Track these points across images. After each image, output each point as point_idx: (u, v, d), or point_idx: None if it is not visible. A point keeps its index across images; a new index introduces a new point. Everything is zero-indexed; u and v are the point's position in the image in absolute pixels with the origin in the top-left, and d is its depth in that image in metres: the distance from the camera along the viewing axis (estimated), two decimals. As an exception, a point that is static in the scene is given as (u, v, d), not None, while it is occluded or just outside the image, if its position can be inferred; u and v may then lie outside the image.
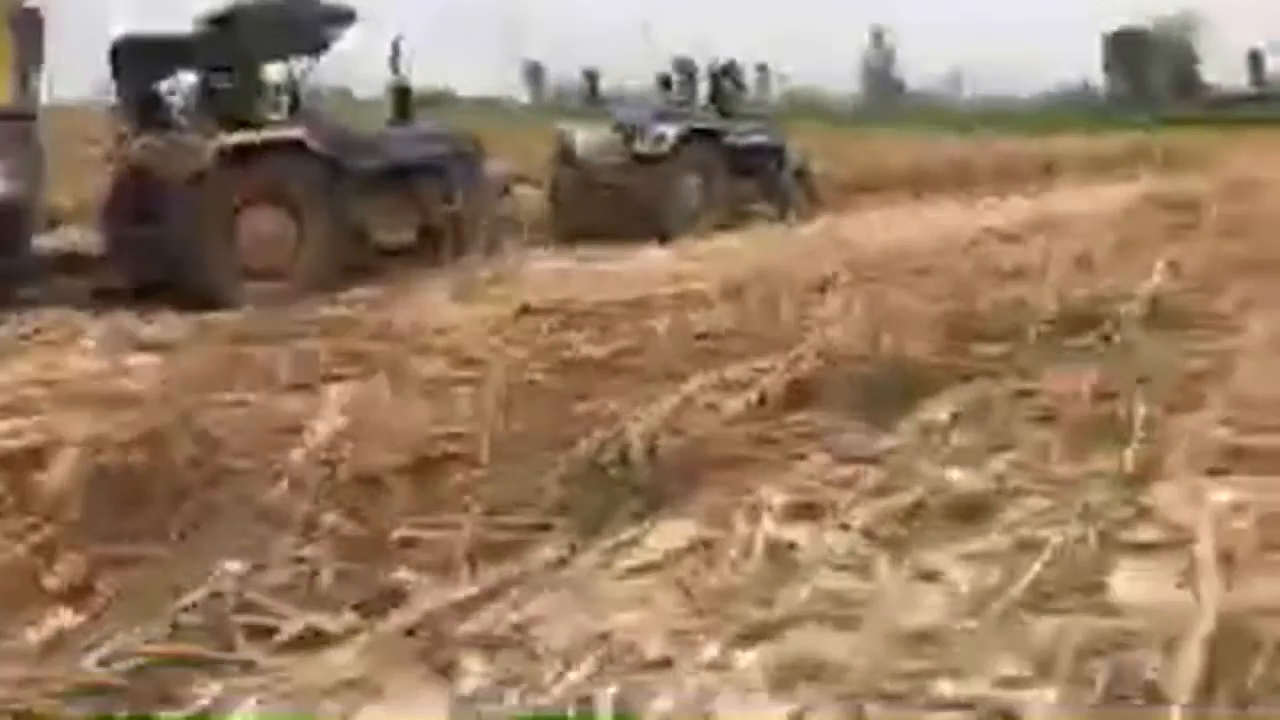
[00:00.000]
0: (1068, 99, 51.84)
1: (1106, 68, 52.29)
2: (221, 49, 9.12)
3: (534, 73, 60.39)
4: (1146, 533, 3.38)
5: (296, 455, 3.74)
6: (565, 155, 13.34)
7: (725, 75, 14.64)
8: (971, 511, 3.67)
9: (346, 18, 9.68)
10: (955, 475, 3.95)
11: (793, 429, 4.60)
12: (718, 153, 13.43)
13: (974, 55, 61.50)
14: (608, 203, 12.64)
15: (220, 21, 9.16)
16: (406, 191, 9.79)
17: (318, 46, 9.72)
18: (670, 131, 12.97)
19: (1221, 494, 3.55)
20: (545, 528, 3.59)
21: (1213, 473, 3.89)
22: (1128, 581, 3.09)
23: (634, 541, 3.43)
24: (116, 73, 9.29)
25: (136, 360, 5.69)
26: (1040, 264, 8.29)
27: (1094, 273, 7.72)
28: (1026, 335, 6.07)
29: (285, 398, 4.70)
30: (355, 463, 3.78)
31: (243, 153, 8.55)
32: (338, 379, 5.37)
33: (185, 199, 8.35)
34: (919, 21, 65.09)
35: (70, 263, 8.61)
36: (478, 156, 10.70)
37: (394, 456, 3.96)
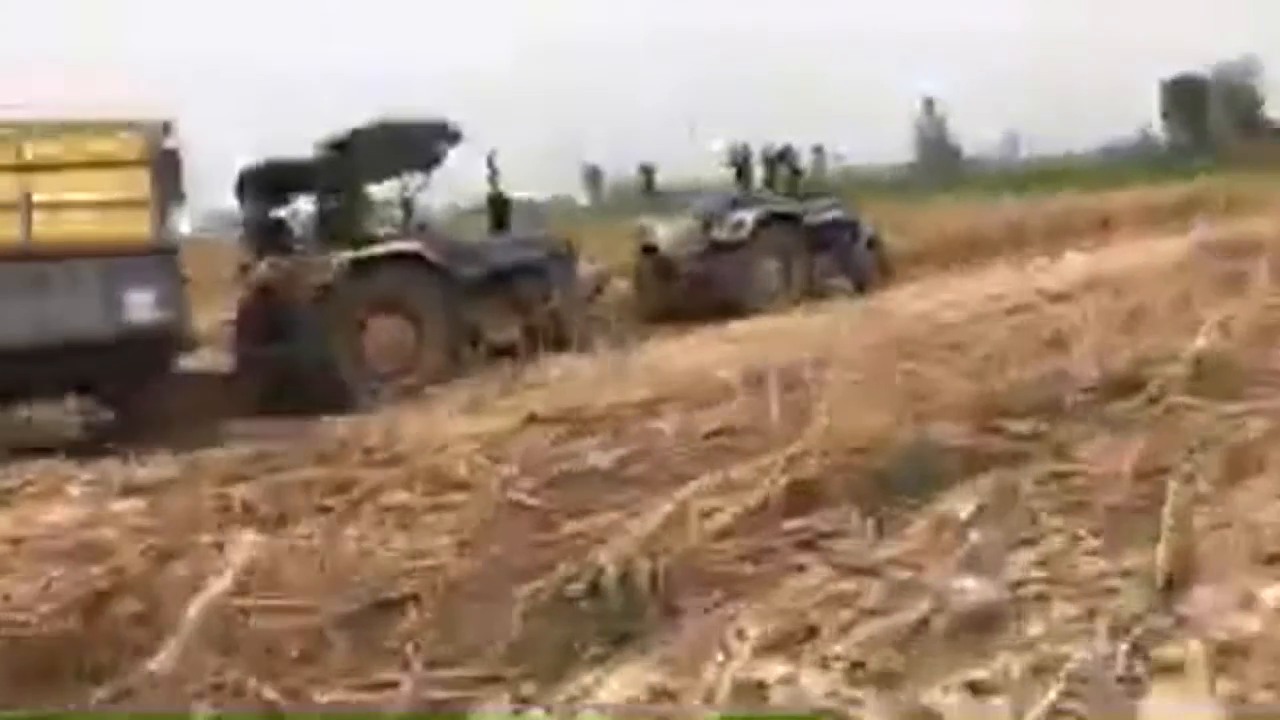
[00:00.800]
0: (1126, 152, 50.91)
1: (1165, 116, 51.33)
2: (339, 172, 9.72)
3: (592, 174, 61.25)
4: (1186, 648, 2.85)
5: (194, 611, 3.39)
6: (647, 247, 13.97)
7: (780, 159, 14.90)
8: (983, 627, 3.17)
9: (455, 136, 10.28)
10: (967, 584, 3.45)
11: (791, 537, 4.14)
12: (795, 233, 13.90)
13: (1028, 115, 60.87)
14: (689, 290, 13.23)
15: (338, 146, 9.73)
16: (509, 293, 10.44)
17: (429, 163, 10.32)
18: (748, 217, 13.46)
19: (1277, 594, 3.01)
20: (495, 680, 3.18)
21: (1272, 561, 3.35)
22: (1162, 713, 2.57)
23: (587, 693, 3.00)
24: (241, 200, 9.98)
25: (120, 506, 5.46)
26: (1083, 327, 7.78)
27: (1140, 332, 7.15)
28: (1063, 406, 5.56)
29: (243, 540, 4.38)
30: (284, 616, 3.42)
31: (364, 266, 9.16)
32: (322, 510, 5.07)
33: (313, 314, 8.97)
34: (971, 87, 64.84)
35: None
36: (572, 257, 11.34)
37: (341, 605, 3.60)
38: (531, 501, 4.85)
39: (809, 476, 4.72)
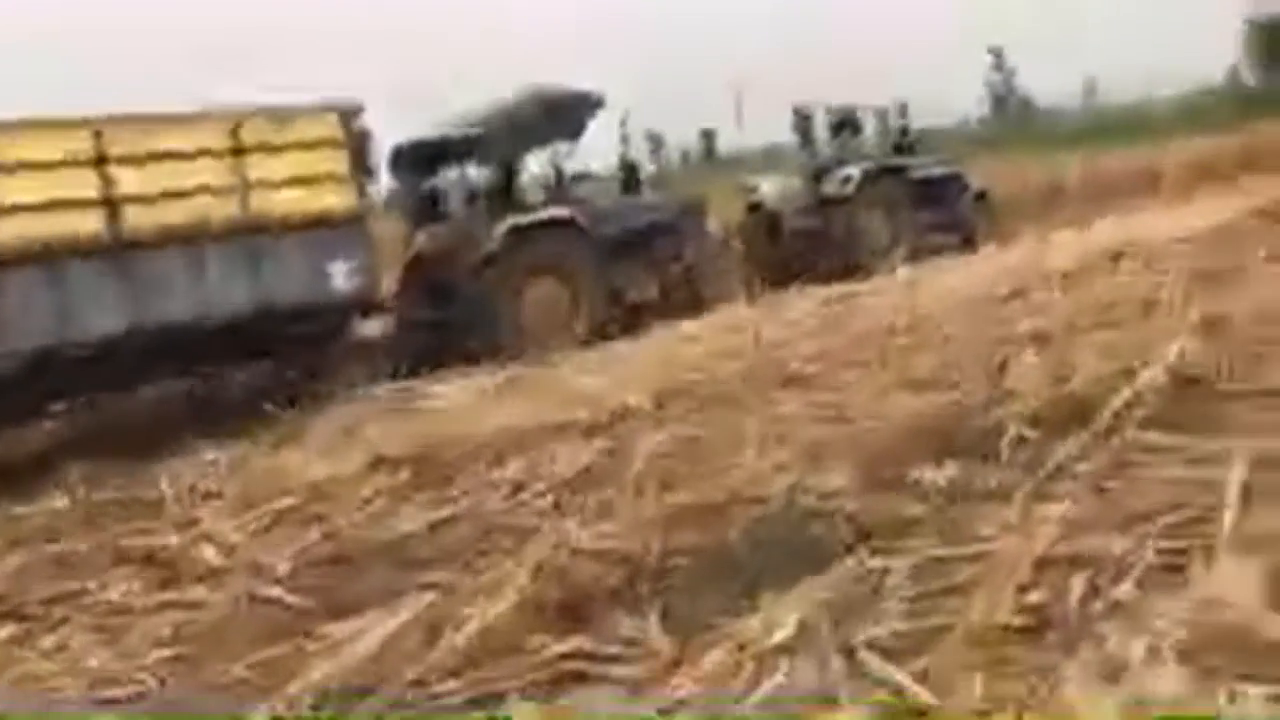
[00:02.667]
0: (1214, 96, 47.50)
1: (1247, 57, 47.89)
2: (492, 143, 9.97)
3: (654, 140, 60.51)
4: None
5: None
6: (753, 205, 13.75)
7: (845, 124, 14.57)
8: None
9: (598, 104, 10.54)
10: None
11: (552, 662, 3.08)
12: (901, 188, 13.63)
13: (1106, 61, 57.54)
14: (797, 246, 13.06)
15: (489, 119, 9.95)
16: (646, 254, 10.75)
17: (576, 132, 10.57)
18: (855, 171, 13.23)
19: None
20: None
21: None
22: None
23: None
24: (396, 174, 10.28)
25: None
26: (1058, 324, 6.47)
27: (1131, 328, 5.85)
28: (994, 443, 4.36)
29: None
30: None
31: (522, 234, 9.50)
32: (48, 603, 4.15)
33: (474, 280, 9.32)
34: (1045, 34, 61.59)
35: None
36: (702, 216, 11.63)
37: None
38: (289, 598, 3.88)
39: (624, 556, 3.67)
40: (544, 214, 9.89)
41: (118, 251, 7.15)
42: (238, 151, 7.71)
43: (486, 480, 4.91)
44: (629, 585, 3.53)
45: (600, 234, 10.15)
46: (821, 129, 14.91)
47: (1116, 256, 9.51)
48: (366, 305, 8.58)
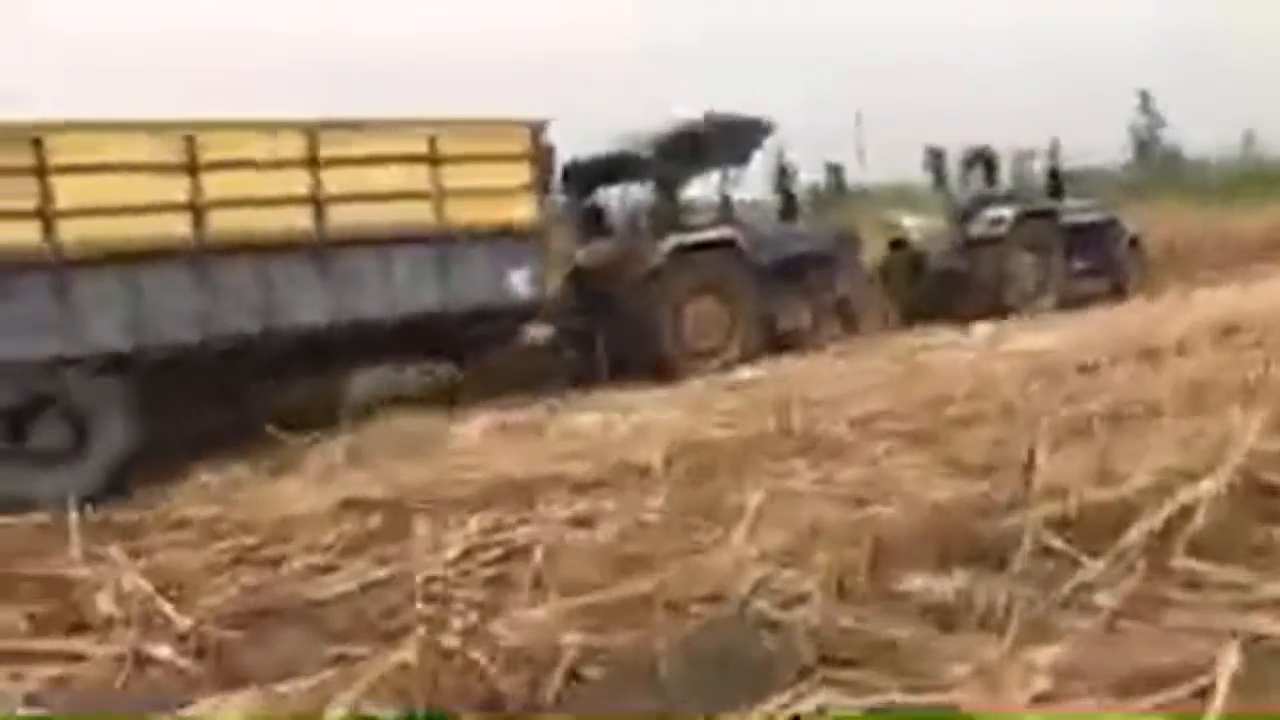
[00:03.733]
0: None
1: None
2: (663, 164, 10.20)
3: (788, 171, 60.32)
4: None
5: None
6: (896, 242, 13.61)
7: (977, 161, 14.16)
8: None
9: (767, 130, 10.73)
10: None
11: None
12: (1052, 231, 13.36)
13: (1264, 115, 54.15)
14: (941, 286, 12.92)
15: (673, 140, 10.15)
16: (800, 281, 10.93)
17: (745, 158, 10.87)
18: (1006, 213, 13.00)
19: None
20: None
21: None
22: None
23: None
24: (566, 188, 10.53)
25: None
26: (1148, 404, 5.75)
27: (1220, 419, 5.08)
28: (1006, 556, 3.74)
29: None
30: None
31: (687, 252, 9.81)
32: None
33: (638, 295, 9.60)
34: (1196, 83, 58.25)
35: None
36: (857, 248, 11.80)
37: None
38: (180, 661, 3.52)
39: (529, 657, 3.21)
40: (710, 234, 10.14)
41: (321, 249, 7.56)
42: (435, 161, 8.08)
43: (443, 539, 4.49)
44: (530, 690, 3.07)
45: (759, 258, 10.37)
46: (955, 167, 14.48)
47: (1230, 329, 8.63)
48: (536, 313, 8.98)
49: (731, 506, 4.76)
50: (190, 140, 7.04)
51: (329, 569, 4.38)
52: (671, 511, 4.80)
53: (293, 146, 7.50)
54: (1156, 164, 45.93)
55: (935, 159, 15.25)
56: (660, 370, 9.17)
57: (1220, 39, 56.96)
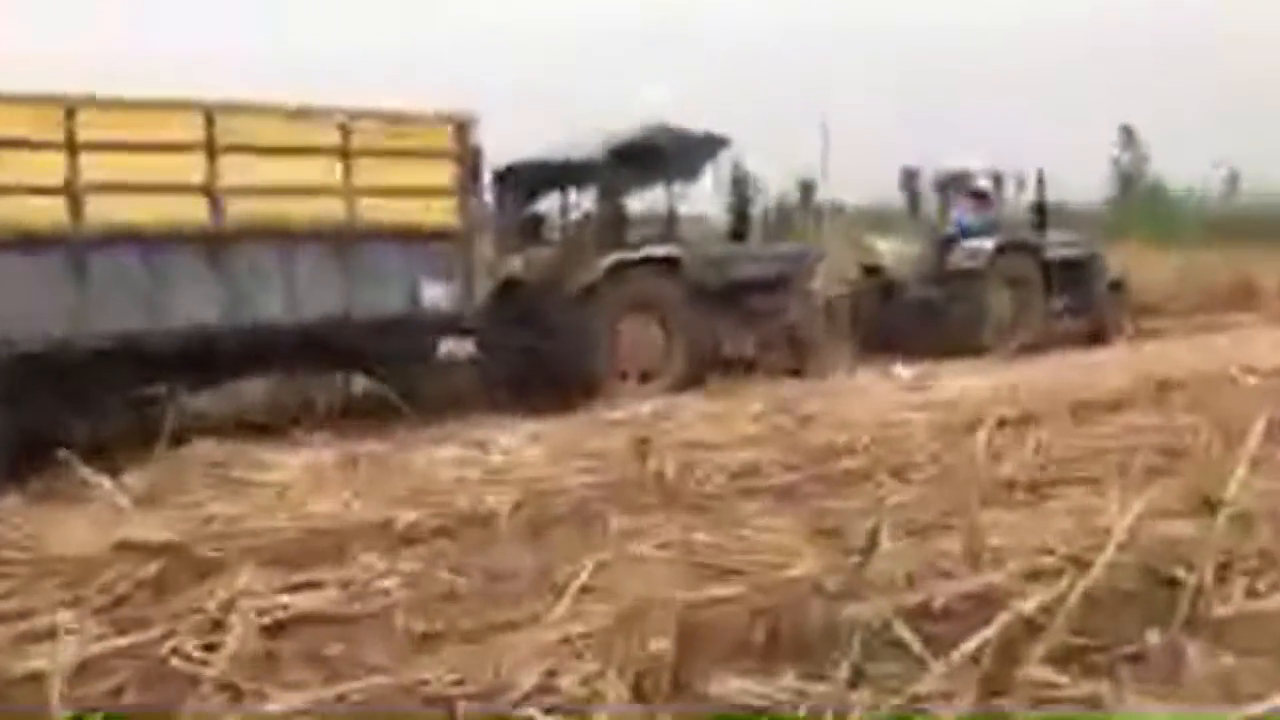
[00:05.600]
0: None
1: None
2: (606, 173, 10.01)
3: (755, 186, 60.22)
4: None
5: None
6: (870, 267, 13.45)
7: (951, 185, 13.98)
8: None
9: (720, 144, 10.54)
10: None
11: None
12: (1034, 266, 13.21)
13: (1250, 152, 55.03)
14: (915, 316, 12.76)
15: (619, 149, 9.83)
16: (746, 306, 10.73)
17: (694, 173, 10.71)
18: (986, 244, 12.84)
19: None
20: None
21: None
22: None
23: None
24: (499, 194, 10.25)
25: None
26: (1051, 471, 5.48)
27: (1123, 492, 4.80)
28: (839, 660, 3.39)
29: None
30: None
31: (626, 268, 9.58)
32: None
33: (575, 309, 9.34)
34: (1179, 116, 59.18)
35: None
36: (811, 273, 11.49)
37: None
38: None
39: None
40: (650, 251, 9.92)
41: (215, 243, 7.22)
42: (346, 154, 7.74)
43: (203, 603, 4.07)
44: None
45: (702, 279, 10.21)
46: (929, 190, 14.39)
47: (1169, 384, 8.44)
48: (455, 326, 8.70)
49: (565, 572, 4.43)
50: (70, 115, 6.67)
51: (46, 635, 3.90)
52: (489, 578, 4.43)
53: (187, 129, 7.14)
54: (1139, 201, 46.50)
55: (909, 179, 15.07)
56: (590, 392, 8.91)
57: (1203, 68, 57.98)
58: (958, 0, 68.85)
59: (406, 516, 5.24)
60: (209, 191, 7.15)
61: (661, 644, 3.42)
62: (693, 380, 9.65)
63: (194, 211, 7.13)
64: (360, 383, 8.33)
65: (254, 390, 8.30)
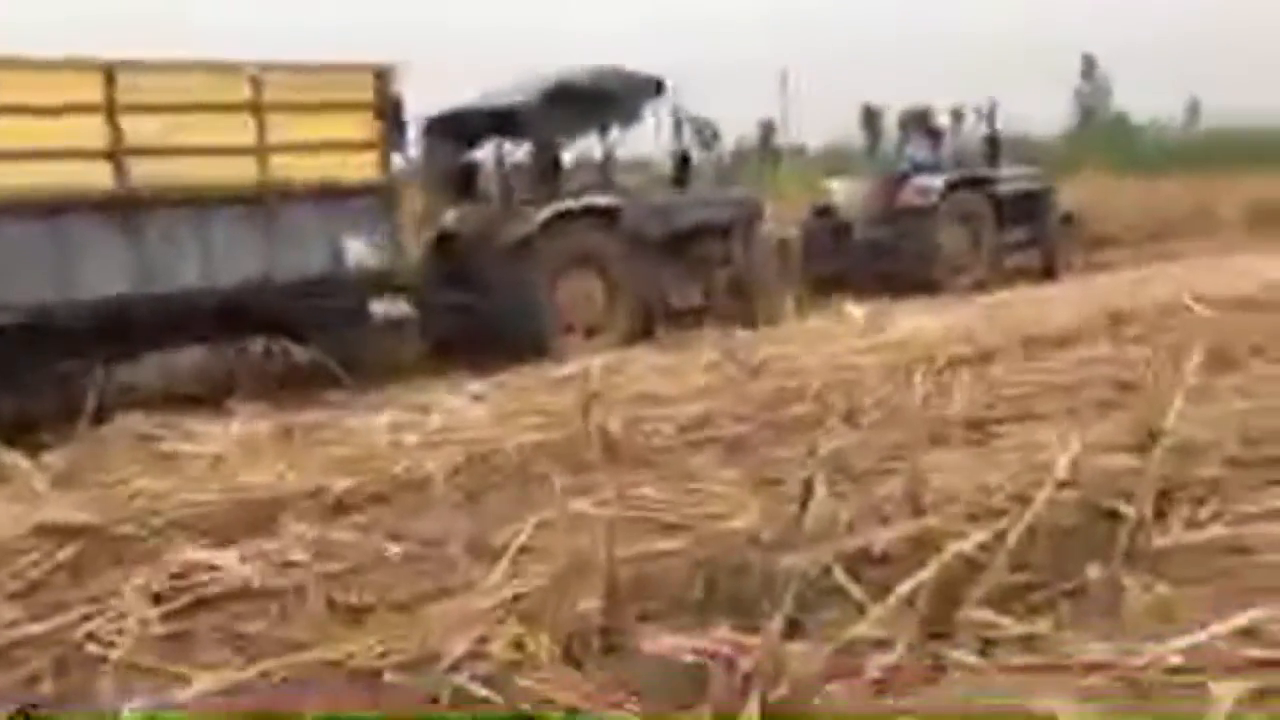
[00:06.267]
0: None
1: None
2: (543, 121, 9.61)
3: (709, 128, 59.95)
4: None
5: None
6: (821, 209, 13.41)
7: (914, 123, 13.89)
8: None
9: (658, 88, 10.22)
10: None
11: None
12: (986, 202, 13.14)
13: (1211, 80, 55.38)
14: (866, 257, 12.75)
15: (546, 94, 9.55)
16: (691, 255, 10.54)
17: (630, 117, 10.35)
18: (936, 181, 12.76)
19: None
20: None
21: None
22: None
23: None
24: (430, 145, 9.96)
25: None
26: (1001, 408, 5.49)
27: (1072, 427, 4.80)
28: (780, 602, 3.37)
29: None
30: None
31: (562, 220, 9.28)
32: None
33: (511, 264, 9.10)
34: (1142, 46, 59.27)
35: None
36: (756, 218, 11.18)
37: None
38: None
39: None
40: (586, 201, 9.63)
41: (121, 208, 7.01)
42: (257, 109, 7.50)
43: (121, 584, 3.99)
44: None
45: (645, 229, 9.98)
46: (891, 129, 14.57)
47: (1122, 316, 8.48)
48: (387, 284, 8.51)
49: (503, 534, 4.38)
50: None
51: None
52: (424, 543, 4.37)
53: (86, 88, 6.90)
54: (1101, 132, 46.60)
55: (870, 119, 15.03)
56: (534, 350, 8.76)
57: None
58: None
59: (341, 484, 5.18)
60: (112, 154, 6.94)
61: (591, 603, 3.40)
62: (641, 333, 9.53)
63: (97, 176, 6.91)
64: (298, 350, 8.16)
65: (185, 361, 8.15)
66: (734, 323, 9.56)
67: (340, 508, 4.93)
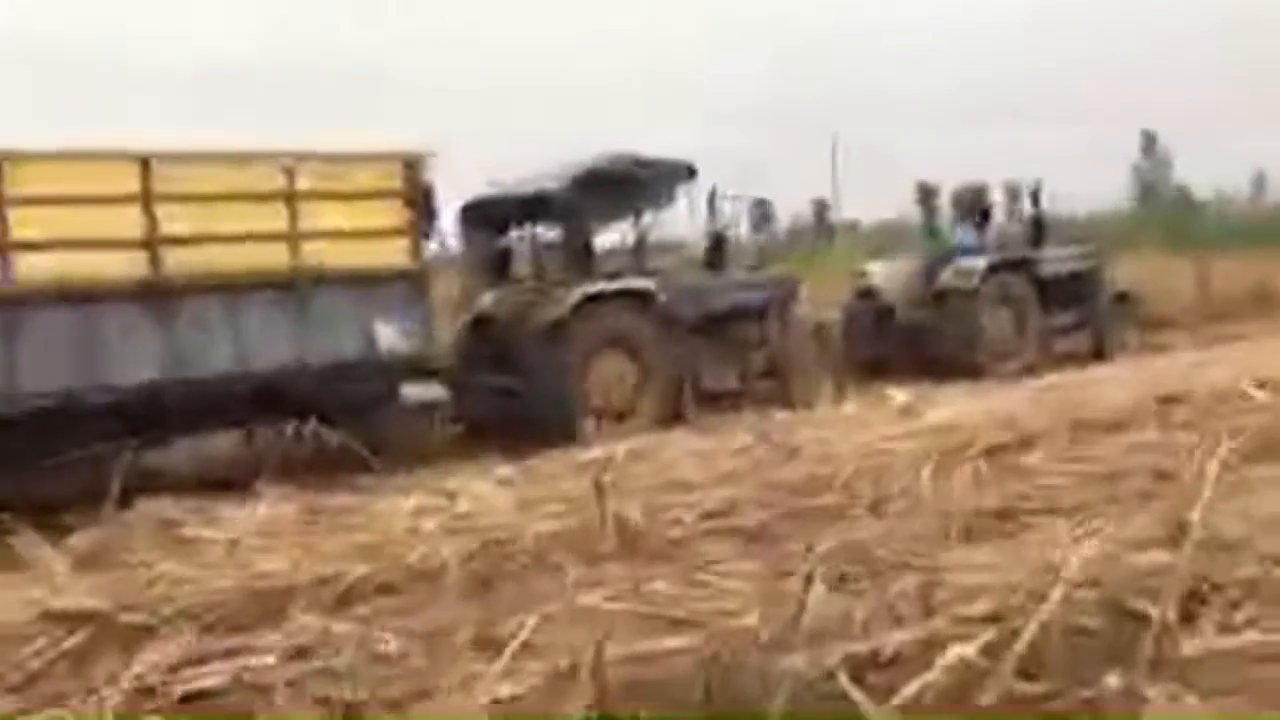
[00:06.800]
0: None
1: None
2: (569, 204, 9.86)
3: (762, 207, 60.35)
4: None
5: None
6: (863, 291, 13.51)
7: (969, 200, 13.96)
8: None
9: (689, 174, 10.49)
10: None
11: None
12: (1029, 284, 13.09)
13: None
14: (908, 341, 12.78)
15: (580, 180, 9.84)
16: (726, 337, 10.70)
17: (662, 202, 10.71)
18: (978, 263, 12.75)
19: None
20: None
21: None
22: None
23: None
24: (467, 230, 10.33)
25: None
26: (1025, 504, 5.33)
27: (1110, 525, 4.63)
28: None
29: None
30: None
31: (595, 302, 9.51)
32: None
33: (542, 348, 9.30)
34: (1202, 119, 58.77)
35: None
36: (792, 299, 11.35)
37: None
38: None
39: None
40: (619, 284, 9.83)
41: (155, 296, 7.24)
42: (291, 197, 7.74)
43: (122, 675, 3.97)
44: None
45: (678, 312, 10.09)
46: (946, 207, 14.77)
47: (1174, 400, 8.22)
48: (419, 368, 8.76)
49: (508, 628, 4.30)
50: None
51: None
52: (426, 638, 4.31)
53: (122, 179, 7.15)
54: (1161, 207, 46.01)
55: (926, 196, 15.17)
56: (563, 433, 8.77)
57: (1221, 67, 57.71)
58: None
59: (355, 572, 5.14)
60: (147, 243, 7.19)
61: (582, 706, 3.30)
62: (673, 416, 9.67)
63: (132, 264, 7.11)
64: (328, 434, 8.25)
65: (217, 446, 8.25)
66: (770, 406, 9.49)
67: (348, 598, 4.90)
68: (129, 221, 7.12)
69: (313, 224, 7.80)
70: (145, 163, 7.16)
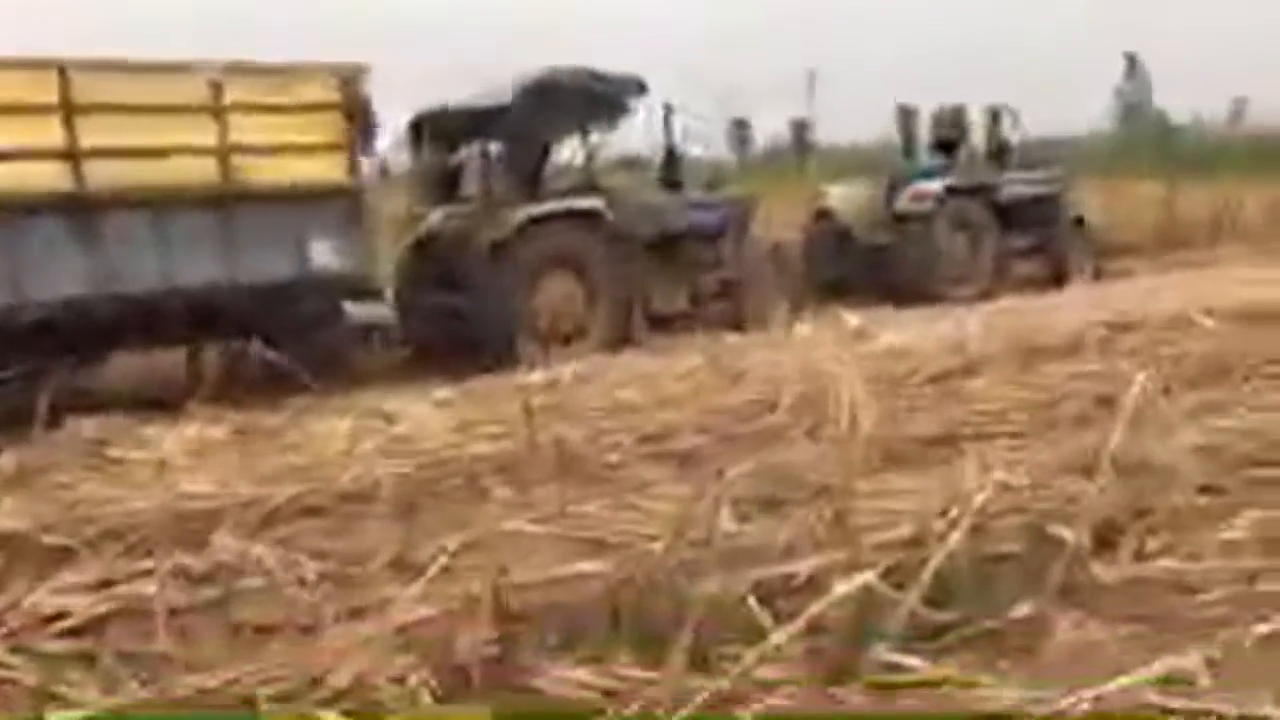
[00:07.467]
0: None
1: None
2: (518, 120, 9.56)
3: (740, 129, 59.54)
4: None
5: None
6: (821, 213, 13.33)
7: (949, 122, 13.70)
8: None
9: (640, 89, 10.18)
10: None
11: None
12: (986, 208, 13.02)
13: (1258, 81, 54.30)
14: (865, 264, 12.66)
15: (528, 93, 9.53)
16: (679, 258, 10.41)
17: (613, 118, 10.35)
18: (934, 186, 12.62)
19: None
20: None
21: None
22: None
23: None
24: (415, 145, 10.10)
25: None
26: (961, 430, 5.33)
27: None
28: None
29: None
30: None
31: (542, 222, 9.24)
32: None
33: (490, 267, 9.02)
34: (1185, 47, 58.39)
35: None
36: (746, 220, 11.09)
37: None
38: None
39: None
40: (566, 204, 9.55)
41: (79, 210, 7.00)
42: (221, 111, 7.47)
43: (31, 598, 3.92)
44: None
45: (629, 231, 9.81)
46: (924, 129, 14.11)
47: (1124, 327, 8.24)
48: (360, 288, 8.52)
49: (430, 551, 4.28)
50: None
51: None
52: (347, 562, 4.28)
53: (41, 89, 6.93)
54: (1142, 133, 45.76)
55: (906, 118, 14.85)
56: (508, 355, 8.62)
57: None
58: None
59: (282, 494, 5.10)
60: (69, 155, 6.95)
61: (487, 633, 3.28)
62: (623, 338, 9.41)
63: (54, 177, 6.91)
64: (265, 352, 8.16)
65: (156, 367, 8.15)
66: (722, 328, 9.44)
67: (272, 519, 4.85)
68: (49, 133, 6.84)
69: (242, 138, 7.50)
70: (63, 72, 6.89)
